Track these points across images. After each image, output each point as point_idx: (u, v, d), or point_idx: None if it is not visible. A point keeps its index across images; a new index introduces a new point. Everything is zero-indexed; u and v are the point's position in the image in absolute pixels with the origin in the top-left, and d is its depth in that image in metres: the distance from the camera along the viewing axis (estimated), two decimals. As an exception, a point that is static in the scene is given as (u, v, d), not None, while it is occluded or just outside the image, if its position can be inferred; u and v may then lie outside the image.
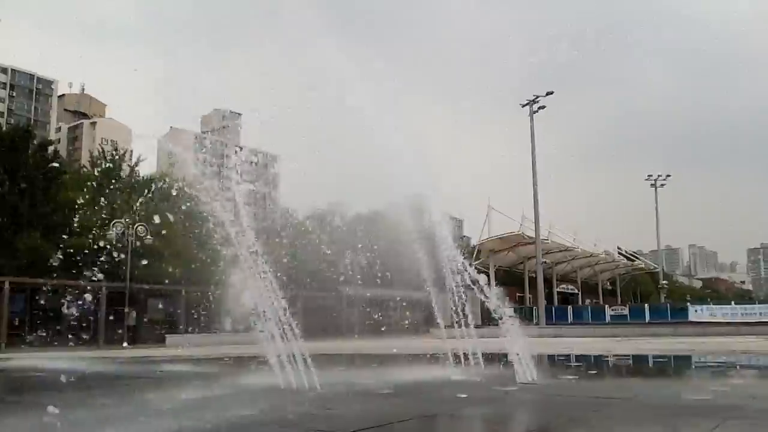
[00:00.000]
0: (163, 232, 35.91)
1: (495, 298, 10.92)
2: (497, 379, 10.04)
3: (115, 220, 36.28)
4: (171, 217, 35.74)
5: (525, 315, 47.24)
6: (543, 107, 44.86)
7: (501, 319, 10.66)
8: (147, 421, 6.39)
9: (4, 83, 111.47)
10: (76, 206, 35.29)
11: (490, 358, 13.00)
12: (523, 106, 45.20)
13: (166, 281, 35.59)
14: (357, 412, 7.31)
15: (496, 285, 51.23)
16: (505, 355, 10.68)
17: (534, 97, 44.80)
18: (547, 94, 44.99)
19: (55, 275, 24.02)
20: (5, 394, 11.95)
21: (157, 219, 30.85)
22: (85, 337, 31.82)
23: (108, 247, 32.84)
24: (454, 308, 12.98)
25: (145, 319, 38.25)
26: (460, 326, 12.94)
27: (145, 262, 33.02)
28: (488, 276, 51.48)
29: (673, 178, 64.19)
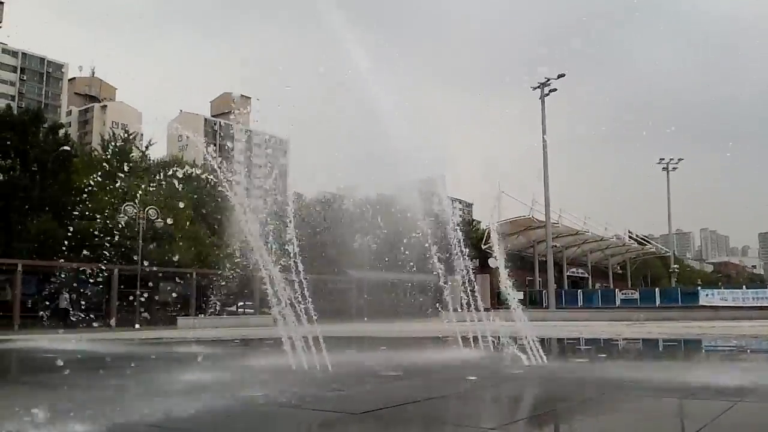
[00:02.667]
0: (170, 218, 36.05)
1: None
2: (506, 362, 10.04)
3: (125, 204, 36.42)
4: (181, 202, 35.99)
5: (535, 299, 47.23)
6: (554, 90, 44.46)
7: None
8: (156, 401, 6.43)
9: (15, 67, 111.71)
10: (87, 189, 35.45)
11: (500, 341, 13.00)
12: (534, 89, 44.80)
13: (176, 263, 35.82)
14: (366, 393, 7.33)
15: (506, 268, 51.35)
16: (515, 338, 10.68)
17: (545, 80, 44.38)
18: (559, 76, 44.55)
19: (66, 257, 24.22)
20: (19, 375, 12.09)
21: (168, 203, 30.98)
22: (97, 318, 32.11)
23: (119, 230, 33.09)
24: (463, 291, 12.99)
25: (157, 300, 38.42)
26: (469, 309, 12.95)
27: (156, 245, 33.18)
28: (497, 259, 51.43)
29: (686, 161, 63.77)
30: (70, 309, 32.24)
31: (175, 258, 34.79)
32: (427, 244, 12.75)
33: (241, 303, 42.25)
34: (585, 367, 10.33)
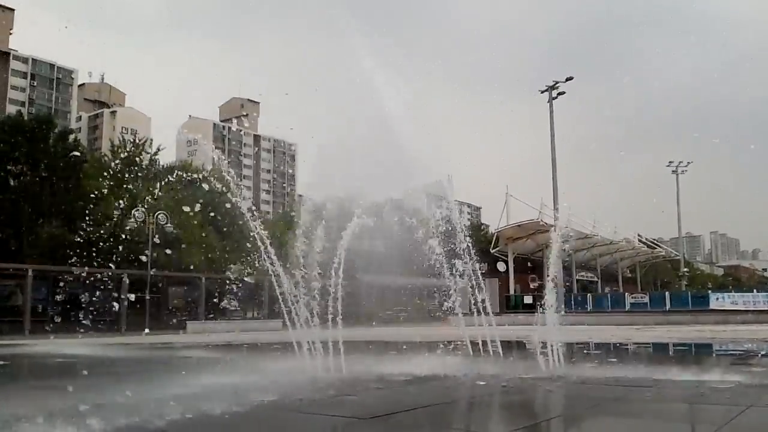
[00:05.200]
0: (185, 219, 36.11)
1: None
2: (515, 367, 10.01)
3: (135, 209, 36.59)
4: (190, 207, 36.13)
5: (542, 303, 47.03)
6: (563, 93, 44.38)
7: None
8: (165, 404, 6.44)
9: (25, 73, 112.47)
10: (97, 195, 35.63)
11: (509, 345, 12.97)
12: (543, 92, 44.74)
13: (186, 268, 35.92)
14: (375, 398, 7.32)
15: (515, 272, 51.24)
16: (524, 343, 10.65)
17: (553, 83, 44.32)
18: (567, 79, 44.48)
19: (76, 263, 24.33)
20: (30, 379, 12.15)
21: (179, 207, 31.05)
22: (107, 323, 32.26)
23: (128, 235, 33.24)
24: (472, 296, 12.97)
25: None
26: (478, 314, 12.92)
27: (166, 250, 33.29)
28: (506, 263, 51.38)
29: (696, 164, 63.56)
30: None
31: (185, 265, 34.90)
32: (437, 249, 12.73)
33: (250, 307, 42.35)
34: (597, 371, 10.27)
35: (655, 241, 74.56)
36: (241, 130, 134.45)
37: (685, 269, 69.02)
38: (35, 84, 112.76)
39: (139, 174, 46.82)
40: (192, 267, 37.67)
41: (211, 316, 37.02)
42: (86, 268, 26.49)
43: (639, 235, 68.87)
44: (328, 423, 5.87)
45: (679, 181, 62.15)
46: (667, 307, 42.55)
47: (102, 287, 30.23)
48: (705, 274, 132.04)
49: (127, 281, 34.70)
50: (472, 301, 12.94)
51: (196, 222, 39.85)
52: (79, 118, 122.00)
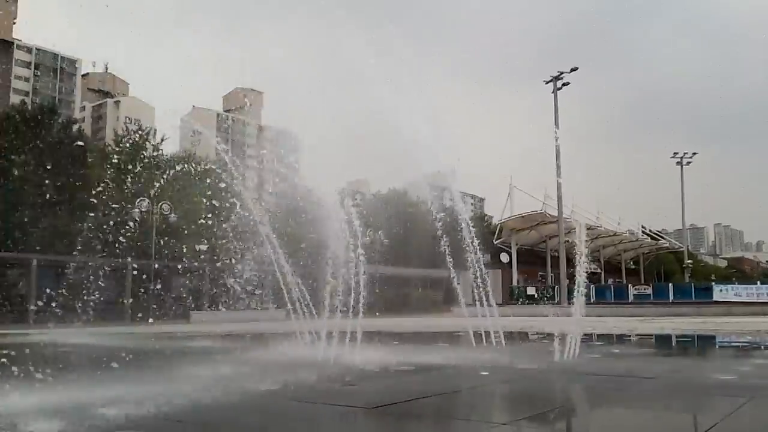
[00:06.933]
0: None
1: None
2: (519, 358, 10.03)
3: (139, 198, 36.62)
4: (193, 196, 36.09)
5: (547, 294, 47.05)
6: (567, 84, 44.21)
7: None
8: (170, 396, 6.47)
9: (29, 62, 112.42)
10: (101, 184, 35.65)
11: (512, 336, 12.99)
12: (547, 82, 44.57)
13: (188, 258, 35.99)
14: (379, 388, 7.34)
15: (518, 263, 51.22)
16: (526, 334, 10.65)
17: (558, 74, 44.14)
18: (572, 70, 44.29)
19: (80, 252, 24.40)
20: (37, 368, 12.19)
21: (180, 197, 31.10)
22: (111, 313, 32.35)
23: (132, 224, 33.28)
24: (475, 286, 12.97)
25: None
26: (481, 304, 12.93)
27: (165, 238, 33.32)
28: (510, 254, 51.37)
29: (700, 156, 63.12)
30: None
31: (188, 254, 34.94)
32: (440, 240, 12.74)
33: (254, 297, 42.39)
34: (600, 362, 10.28)
35: (659, 233, 74.54)
36: (244, 120, 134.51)
37: (689, 261, 68.86)
38: (38, 74, 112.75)
39: (143, 164, 46.79)
40: (195, 256, 37.71)
41: (215, 305, 37.10)
42: (90, 258, 26.55)
43: (643, 227, 68.80)
44: (331, 412, 5.89)
45: (683, 172, 61.94)
46: (671, 298, 42.53)
47: (106, 277, 30.27)
48: (709, 266, 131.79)
49: (132, 271, 34.76)
50: (476, 292, 12.94)
51: (202, 207, 39.88)
52: (83, 108, 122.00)
